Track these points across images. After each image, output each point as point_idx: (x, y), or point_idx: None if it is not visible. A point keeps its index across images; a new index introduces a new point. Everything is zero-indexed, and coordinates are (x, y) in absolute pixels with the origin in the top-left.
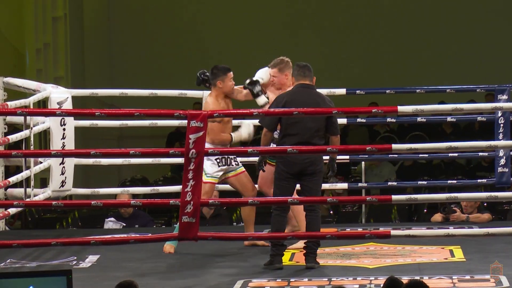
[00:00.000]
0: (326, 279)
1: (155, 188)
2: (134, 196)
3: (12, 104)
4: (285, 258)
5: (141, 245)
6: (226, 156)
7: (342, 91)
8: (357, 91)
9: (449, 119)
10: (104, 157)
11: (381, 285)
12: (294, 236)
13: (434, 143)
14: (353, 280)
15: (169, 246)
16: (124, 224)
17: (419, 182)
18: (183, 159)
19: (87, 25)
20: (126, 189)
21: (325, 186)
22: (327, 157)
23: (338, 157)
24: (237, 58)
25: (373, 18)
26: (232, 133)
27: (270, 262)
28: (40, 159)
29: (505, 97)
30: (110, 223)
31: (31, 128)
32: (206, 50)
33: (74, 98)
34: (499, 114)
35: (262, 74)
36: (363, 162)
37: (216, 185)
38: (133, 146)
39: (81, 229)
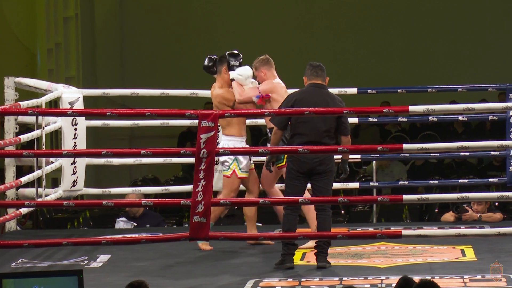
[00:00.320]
0: (337, 279)
1: (166, 188)
2: (146, 196)
3: (24, 104)
4: (296, 258)
5: (152, 245)
6: None
7: (354, 90)
8: (368, 91)
9: (460, 118)
10: (115, 157)
11: (393, 285)
12: (305, 236)
13: (445, 142)
14: (364, 280)
15: (204, 245)
16: (135, 224)
17: (430, 182)
18: (194, 159)
19: (99, 25)
20: (137, 189)
21: (336, 185)
22: (339, 157)
23: (349, 156)
24: (250, 57)
25: (385, 18)
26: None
27: (281, 262)
28: (51, 159)
29: None
30: (121, 223)
31: (43, 128)
32: (218, 50)
33: (86, 98)
34: (511, 114)
35: (241, 71)
36: (374, 162)
37: None
38: (144, 146)
39: (92, 229)
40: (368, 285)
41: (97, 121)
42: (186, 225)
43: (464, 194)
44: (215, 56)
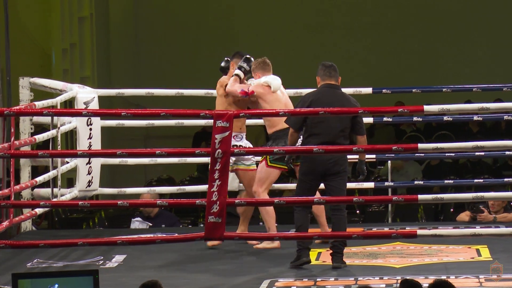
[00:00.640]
0: (353, 279)
1: (182, 188)
2: (161, 196)
3: (39, 104)
4: (312, 258)
5: (167, 245)
6: None
7: (369, 90)
8: (383, 90)
9: (475, 118)
10: (130, 157)
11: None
12: (320, 236)
13: (461, 142)
14: (380, 280)
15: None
16: (151, 224)
17: (446, 182)
18: (209, 159)
19: (113, 25)
20: (152, 188)
21: (351, 185)
22: (353, 158)
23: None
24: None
25: (400, 18)
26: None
27: (297, 258)
28: (66, 159)
29: None
30: (137, 223)
31: (58, 128)
32: (233, 49)
33: (101, 98)
34: None
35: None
36: (389, 162)
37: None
38: (159, 146)
39: (108, 229)
40: (384, 285)
41: (112, 121)
42: (201, 225)
43: (479, 194)
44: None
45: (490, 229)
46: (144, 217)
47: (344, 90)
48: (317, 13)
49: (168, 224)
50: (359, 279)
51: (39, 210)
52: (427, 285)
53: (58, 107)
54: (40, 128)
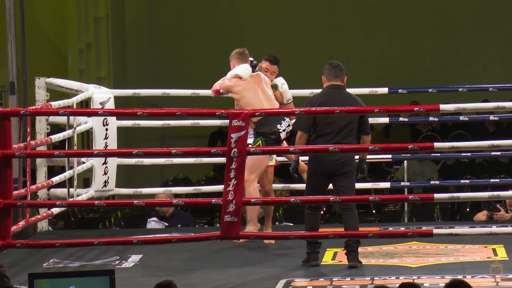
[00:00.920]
0: (369, 278)
1: (198, 188)
2: (177, 196)
3: (55, 104)
4: (327, 258)
5: (183, 244)
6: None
7: (384, 90)
8: (399, 90)
9: (491, 117)
10: (146, 156)
11: (425, 284)
12: (336, 235)
13: (477, 141)
14: (396, 279)
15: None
16: (167, 224)
17: (462, 181)
18: (225, 158)
19: (129, 25)
20: (168, 189)
21: (367, 185)
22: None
23: (380, 156)
24: (281, 57)
25: (416, 17)
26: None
27: (307, 259)
28: (82, 159)
29: None
30: (153, 223)
31: (74, 128)
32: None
33: (116, 98)
34: None
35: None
36: (405, 162)
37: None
38: (175, 146)
39: (124, 229)
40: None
41: (128, 121)
42: (218, 225)
43: (495, 193)
44: (255, 61)
45: (506, 228)
46: (160, 217)
47: (359, 90)
48: (331, 13)
49: (183, 224)
50: (375, 279)
51: (55, 210)
52: (443, 284)
53: (74, 107)
54: (56, 129)
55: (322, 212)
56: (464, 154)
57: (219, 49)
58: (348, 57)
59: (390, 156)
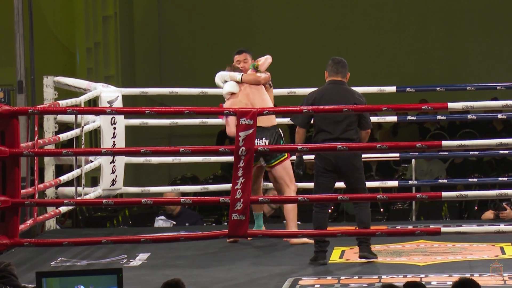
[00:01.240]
0: (376, 277)
1: (205, 186)
2: (184, 194)
3: (63, 103)
4: (335, 256)
5: (191, 243)
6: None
7: (392, 88)
8: (407, 89)
9: (499, 116)
10: (154, 155)
11: (433, 283)
12: (344, 233)
13: (485, 139)
14: (404, 278)
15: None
16: (174, 223)
17: (470, 180)
18: (233, 157)
19: (137, 23)
20: (176, 187)
21: (375, 184)
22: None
23: (388, 155)
24: (290, 56)
25: (425, 16)
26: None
27: (314, 258)
28: (90, 158)
29: None
30: (160, 222)
31: (82, 127)
32: (257, 48)
33: (124, 97)
34: None
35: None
36: (413, 160)
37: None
38: (183, 145)
39: (132, 228)
40: None
41: (136, 120)
42: (225, 223)
43: (503, 191)
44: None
45: None
46: (167, 215)
47: (368, 88)
48: (343, 13)
49: (190, 222)
50: (383, 277)
51: (63, 209)
52: (451, 283)
53: (82, 106)
54: (64, 127)
55: (329, 211)
56: (472, 152)
57: (227, 47)
58: (357, 57)
59: (398, 154)
